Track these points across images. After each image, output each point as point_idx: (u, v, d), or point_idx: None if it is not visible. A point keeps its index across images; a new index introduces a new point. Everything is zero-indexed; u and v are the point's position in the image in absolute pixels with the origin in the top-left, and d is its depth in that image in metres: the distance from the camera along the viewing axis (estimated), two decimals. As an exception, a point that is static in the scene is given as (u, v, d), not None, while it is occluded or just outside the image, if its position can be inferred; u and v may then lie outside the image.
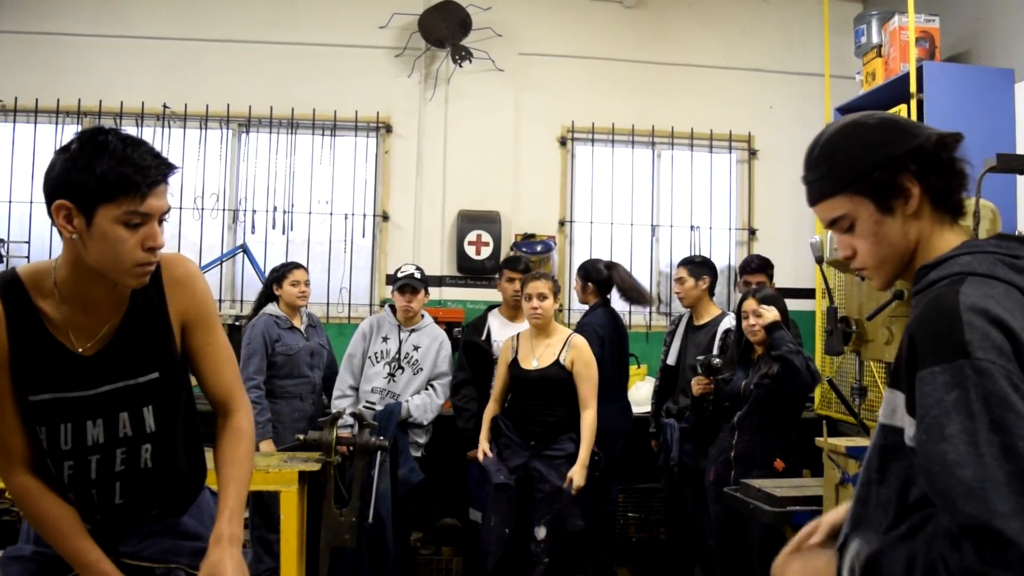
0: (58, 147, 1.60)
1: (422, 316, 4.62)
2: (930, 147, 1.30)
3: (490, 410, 4.13)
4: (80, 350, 1.67)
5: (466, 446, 4.47)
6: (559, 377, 3.90)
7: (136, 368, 1.72)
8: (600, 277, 4.62)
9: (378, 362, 4.48)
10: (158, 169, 1.58)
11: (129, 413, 1.73)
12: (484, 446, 4.03)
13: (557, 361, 3.91)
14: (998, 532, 1.06)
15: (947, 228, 1.33)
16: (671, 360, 4.61)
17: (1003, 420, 1.09)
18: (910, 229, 1.34)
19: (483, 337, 4.65)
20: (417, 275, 4.51)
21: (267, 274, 4.85)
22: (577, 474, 3.79)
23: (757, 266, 4.70)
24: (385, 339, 4.51)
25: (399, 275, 4.53)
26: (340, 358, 4.66)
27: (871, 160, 1.32)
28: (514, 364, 4.02)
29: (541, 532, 3.78)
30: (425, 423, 4.42)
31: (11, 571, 1.75)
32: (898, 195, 1.32)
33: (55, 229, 1.60)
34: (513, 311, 4.69)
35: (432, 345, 4.53)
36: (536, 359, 3.96)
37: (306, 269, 4.73)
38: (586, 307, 4.71)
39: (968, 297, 1.19)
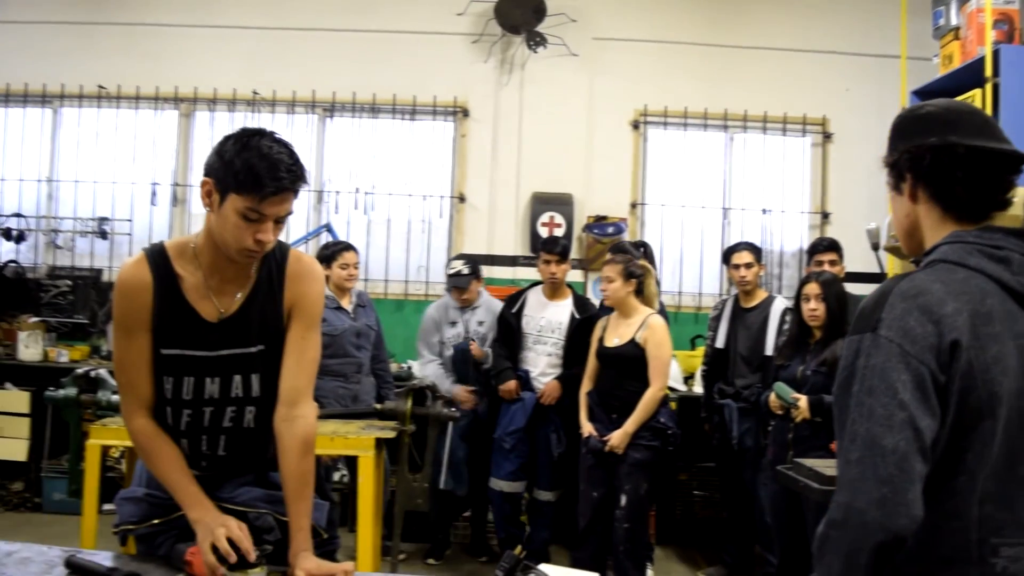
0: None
1: (478, 293, 4.85)
2: (920, 151, 1.43)
3: (584, 387, 4.36)
4: (207, 317, 1.92)
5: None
6: (632, 354, 4.11)
7: (249, 339, 1.96)
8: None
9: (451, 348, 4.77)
10: (287, 179, 1.77)
11: (241, 376, 1.97)
12: (587, 426, 4.23)
13: (633, 339, 4.13)
14: (840, 491, 1.30)
15: (950, 221, 1.44)
16: (720, 343, 4.68)
17: (873, 387, 1.29)
18: (909, 211, 1.49)
19: (514, 310, 4.74)
20: (466, 270, 4.71)
21: (317, 252, 4.85)
22: (615, 437, 4.05)
23: (828, 245, 4.67)
24: (453, 323, 4.80)
25: (449, 271, 4.77)
26: (413, 334, 4.91)
27: (891, 143, 1.50)
28: (600, 342, 4.28)
29: (623, 500, 4.06)
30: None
31: (126, 510, 2.01)
32: (900, 178, 1.48)
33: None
34: (551, 290, 4.71)
35: (491, 317, 4.79)
36: (617, 338, 4.20)
37: (356, 251, 4.68)
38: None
39: (907, 283, 1.35)
